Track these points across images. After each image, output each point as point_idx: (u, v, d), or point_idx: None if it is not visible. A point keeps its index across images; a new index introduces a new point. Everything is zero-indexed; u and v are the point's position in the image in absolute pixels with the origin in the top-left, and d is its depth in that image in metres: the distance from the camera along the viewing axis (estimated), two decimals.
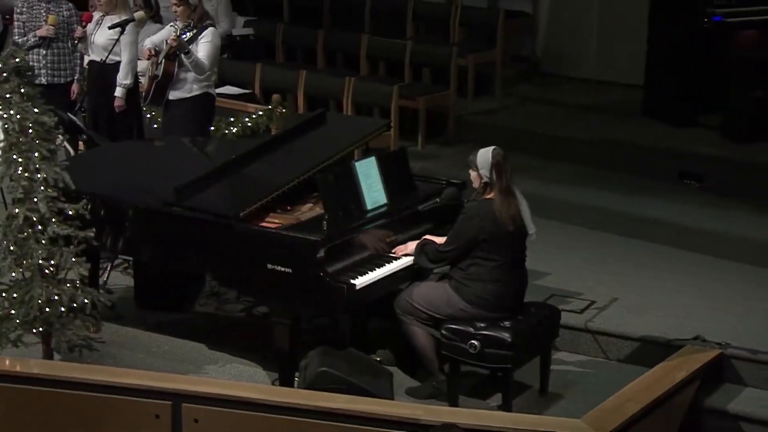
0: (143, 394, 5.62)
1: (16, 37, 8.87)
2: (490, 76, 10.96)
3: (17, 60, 6.15)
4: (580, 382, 6.60)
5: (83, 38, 8.63)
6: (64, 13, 8.82)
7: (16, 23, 8.92)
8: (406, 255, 6.41)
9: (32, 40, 8.72)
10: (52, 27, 8.67)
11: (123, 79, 8.48)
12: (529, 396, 6.44)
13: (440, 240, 6.39)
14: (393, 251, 6.44)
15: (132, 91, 8.61)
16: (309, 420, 5.46)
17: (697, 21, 9.14)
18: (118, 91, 8.46)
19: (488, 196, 6.18)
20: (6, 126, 6.17)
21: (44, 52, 8.75)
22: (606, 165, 9.26)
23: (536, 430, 5.36)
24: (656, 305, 7.13)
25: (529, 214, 6.27)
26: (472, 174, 6.26)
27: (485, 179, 6.18)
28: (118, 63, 8.50)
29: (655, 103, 9.83)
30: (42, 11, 8.76)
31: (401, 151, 7.19)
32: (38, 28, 8.71)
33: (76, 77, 8.87)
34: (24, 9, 8.82)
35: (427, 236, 6.50)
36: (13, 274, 6.18)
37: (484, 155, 6.19)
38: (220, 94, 9.11)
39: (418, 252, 6.31)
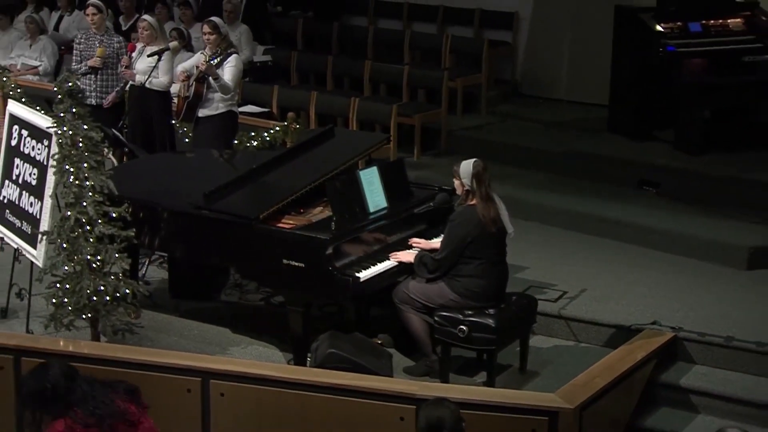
0: (176, 372, 5.63)
1: (74, 65, 8.93)
2: (476, 97, 10.92)
3: (70, 84, 6.17)
4: (554, 362, 6.60)
5: (128, 66, 8.64)
6: (115, 45, 8.84)
7: (74, 51, 9.02)
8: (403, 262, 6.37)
9: (83, 68, 8.75)
10: (99, 58, 8.68)
11: (159, 85, 8.49)
12: (510, 374, 6.44)
13: (428, 244, 6.39)
14: (391, 256, 6.36)
15: (166, 108, 8.61)
16: (319, 395, 5.47)
17: (654, 50, 9.14)
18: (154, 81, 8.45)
19: (471, 203, 6.17)
20: (60, 141, 6.19)
21: (94, 77, 8.77)
22: (576, 174, 9.23)
23: (516, 403, 5.37)
24: (619, 295, 7.13)
25: (507, 216, 6.26)
26: (456, 182, 6.25)
27: (467, 187, 6.18)
28: None
29: (618, 120, 9.81)
30: (96, 43, 8.79)
31: (399, 161, 7.19)
32: (91, 57, 8.74)
33: (116, 89, 8.85)
34: (82, 40, 8.92)
35: (417, 239, 6.50)
36: (66, 268, 6.21)
37: (466, 166, 6.18)
38: (242, 112, 9.09)
39: (417, 264, 6.25)
